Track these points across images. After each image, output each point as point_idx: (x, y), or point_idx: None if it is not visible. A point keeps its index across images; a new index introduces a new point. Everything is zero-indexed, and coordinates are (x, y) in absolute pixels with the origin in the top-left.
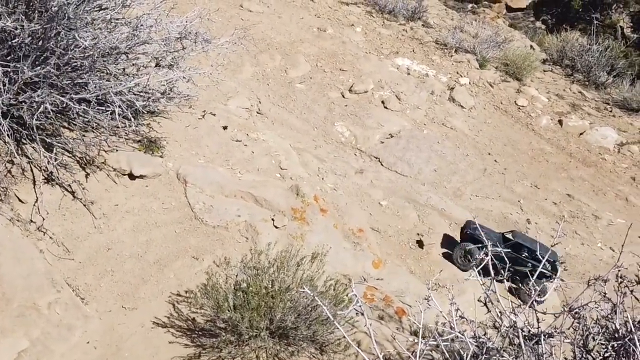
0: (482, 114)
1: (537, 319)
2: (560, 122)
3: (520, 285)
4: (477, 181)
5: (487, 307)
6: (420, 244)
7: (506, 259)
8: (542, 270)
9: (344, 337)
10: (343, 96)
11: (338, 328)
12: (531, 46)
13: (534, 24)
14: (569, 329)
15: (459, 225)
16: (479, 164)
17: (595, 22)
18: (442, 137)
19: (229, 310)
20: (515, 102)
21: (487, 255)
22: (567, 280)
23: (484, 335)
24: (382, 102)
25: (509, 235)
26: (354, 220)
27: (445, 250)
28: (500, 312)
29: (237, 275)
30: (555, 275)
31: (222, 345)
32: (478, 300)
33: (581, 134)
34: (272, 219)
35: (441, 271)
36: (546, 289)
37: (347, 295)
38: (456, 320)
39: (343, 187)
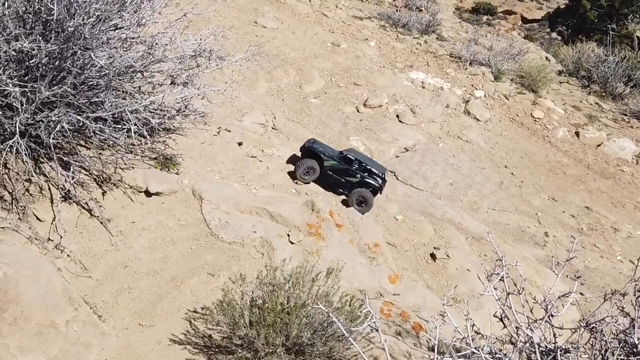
0: (498, 126)
1: (554, 334)
2: (577, 133)
3: (347, 193)
4: (493, 194)
5: (503, 323)
6: (434, 257)
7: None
8: (367, 180)
9: (360, 353)
10: (358, 110)
11: (354, 344)
12: (547, 58)
13: (550, 35)
14: (586, 344)
15: (476, 239)
16: (495, 177)
17: (611, 32)
18: (458, 151)
19: (245, 327)
20: (531, 114)
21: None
22: (586, 294)
23: (501, 350)
24: (397, 116)
25: (345, 152)
26: (370, 235)
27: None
28: (516, 327)
29: (252, 292)
30: (383, 185)
31: None
32: (494, 316)
33: (598, 145)
34: (288, 235)
35: (456, 286)
36: (369, 197)
37: (362, 311)
38: (472, 335)
39: None
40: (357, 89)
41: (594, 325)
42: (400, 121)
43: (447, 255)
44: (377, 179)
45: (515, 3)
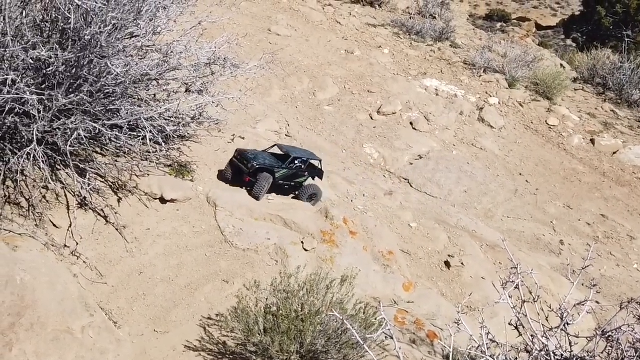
0: (513, 134)
1: (570, 343)
2: (592, 141)
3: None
4: (508, 202)
5: (518, 331)
6: (448, 265)
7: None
8: (313, 174)
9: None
10: (371, 118)
11: (368, 352)
12: (561, 65)
13: (564, 42)
14: (602, 353)
15: (491, 246)
16: (510, 185)
17: (626, 39)
18: (472, 158)
19: (259, 334)
20: (546, 121)
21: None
22: (602, 303)
23: (516, 359)
24: (411, 123)
25: (284, 149)
26: (384, 243)
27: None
28: (532, 335)
29: (267, 299)
30: (320, 176)
31: None
32: (509, 324)
33: (614, 153)
34: (302, 242)
35: (472, 294)
36: (318, 190)
37: (377, 319)
38: (487, 343)
39: (372, 209)
40: (371, 96)
41: (610, 333)
42: (414, 128)
43: (462, 263)
44: (319, 165)
45: (529, 10)
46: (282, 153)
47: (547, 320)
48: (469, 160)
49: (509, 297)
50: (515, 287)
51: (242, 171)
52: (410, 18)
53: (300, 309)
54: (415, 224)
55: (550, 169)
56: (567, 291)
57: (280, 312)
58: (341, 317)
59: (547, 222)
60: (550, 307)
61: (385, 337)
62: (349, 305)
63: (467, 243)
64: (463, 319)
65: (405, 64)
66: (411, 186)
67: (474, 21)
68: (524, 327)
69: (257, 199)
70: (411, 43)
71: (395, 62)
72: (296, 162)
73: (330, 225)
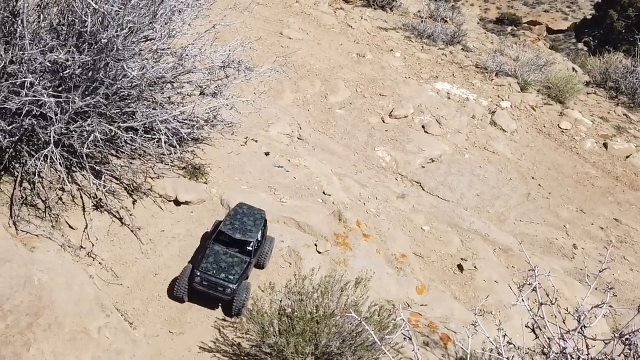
0: (525, 137)
1: (587, 346)
2: (605, 145)
3: None
4: (521, 206)
5: (535, 333)
6: (461, 268)
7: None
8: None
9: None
10: (383, 121)
11: (385, 353)
12: (574, 69)
13: (576, 46)
14: (619, 355)
15: (503, 250)
16: (522, 189)
17: (639, 43)
18: (485, 162)
19: (274, 336)
20: (558, 125)
21: None
22: (616, 307)
23: None
24: (423, 126)
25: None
26: (397, 246)
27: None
28: (549, 338)
29: (281, 301)
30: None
31: None
32: (526, 327)
33: (627, 157)
34: (315, 245)
35: (488, 296)
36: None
37: (392, 321)
38: (504, 346)
39: (385, 212)
40: (383, 99)
41: (627, 337)
42: (426, 132)
43: (475, 267)
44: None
45: (540, 14)
46: (230, 237)
47: (565, 323)
48: (481, 164)
49: (527, 299)
50: (533, 290)
51: (212, 296)
52: (422, 21)
53: (315, 311)
54: (428, 227)
55: (563, 173)
56: (580, 295)
57: (295, 314)
58: (359, 319)
59: (560, 226)
60: (567, 310)
61: (404, 338)
62: (364, 307)
63: (480, 247)
64: (475, 325)
65: (417, 68)
66: (423, 189)
67: (484, 25)
68: (540, 329)
69: (239, 315)
70: (423, 46)
71: (407, 66)
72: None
73: (344, 228)
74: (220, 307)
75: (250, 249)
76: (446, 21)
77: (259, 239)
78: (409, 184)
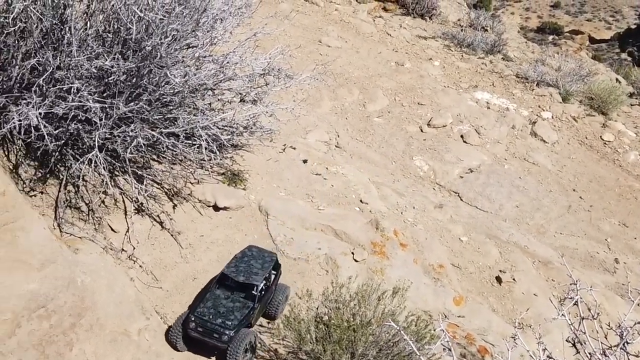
0: (566, 149)
1: None
2: None
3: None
4: (561, 218)
5: (575, 348)
6: (499, 280)
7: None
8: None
9: None
10: (421, 130)
11: None
12: (617, 79)
13: (619, 56)
14: None
15: (543, 263)
16: (563, 201)
17: None
18: (524, 173)
19: (311, 342)
20: (600, 137)
21: None
22: None
23: None
24: (461, 136)
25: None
26: (434, 256)
27: None
28: (590, 353)
29: (318, 308)
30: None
31: None
32: (567, 341)
33: None
34: (352, 253)
35: (528, 309)
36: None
37: (429, 332)
38: (544, 359)
39: (422, 221)
40: (421, 108)
41: None
42: (464, 141)
43: (513, 279)
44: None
45: (582, 23)
46: (233, 280)
47: (606, 339)
48: (520, 174)
49: (567, 313)
50: (574, 304)
51: (208, 345)
52: (462, 30)
53: (352, 319)
54: (466, 237)
55: (605, 186)
56: (622, 310)
57: (332, 321)
58: (397, 327)
59: (601, 240)
60: (609, 325)
61: (443, 348)
62: (401, 317)
63: (518, 259)
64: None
65: (456, 77)
66: (461, 199)
67: (525, 34)
68: (582, 344)
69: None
70: (462, 55)
71: (445, 75)
72: (258, 285)
73: (381, 237)
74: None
75: (254, 293)
76: (486, 30)
77: (268, 284)
78: (446, 194)
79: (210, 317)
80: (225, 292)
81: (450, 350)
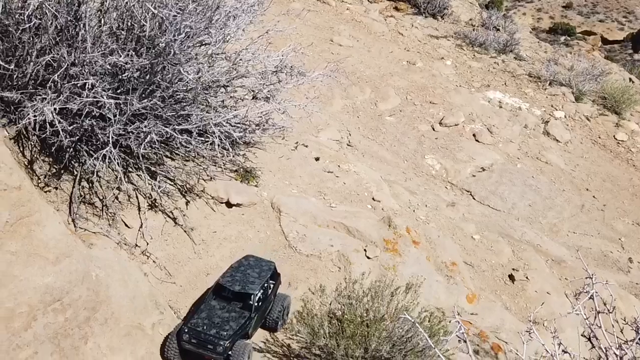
0: (579, 148)
1: None
2: None
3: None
4: (574, 217)
5: (591, 342)
6: (512, 278)
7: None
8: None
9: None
10: (433, 129)
11: (438, 356)
12: (630, 79)
13: (632, 57)
14: None
15: (556, 261)
16: (576, 200)
17: None
18: (537, 172)
19: (324, 337)
20: (614, 136)
21: None
22: None
23: None
24: (474, 135)
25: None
26: (447, 254)
27: None
28: (605, 348)
29: (331, 303)
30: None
31: None
32: (582, 335)
33: None
34: (364, 250)
35: (543, 304)
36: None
37: (443, 327)
38: (559, 354)
39: (434, 219)
40: (433, 107)
41: None
42: (477, 140)
43: (526, 277)
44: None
45: (594, 23)
46: (228, 289)
47: (622, 333)
48: (533, 173)
49: (582, 308)
50: (590, 298)
51: (203, 356)
52: (474, 30)
53: (365, 314)
54: (478, 236)
55: (619, 185)
56: (637, 308)
57: (345, 316)
58: (412, 319)
59: (615, 239)
60: (624, 320)
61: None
62: (414, 313)
63: (531, 257)
64: (530, 332)
65: (468, 76)
66: (473, 198)
67: (536, 34)
68: (597, 338)
69: None
70: (474, 55)
71: (457, 74)
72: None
73: (393, 234)
74: None
75: (251, 302)
76: (498, 29)
77: (266, 293)
78: (458, 193)
79: (204, 327)
80: (221, 303)
81: (465, 342)
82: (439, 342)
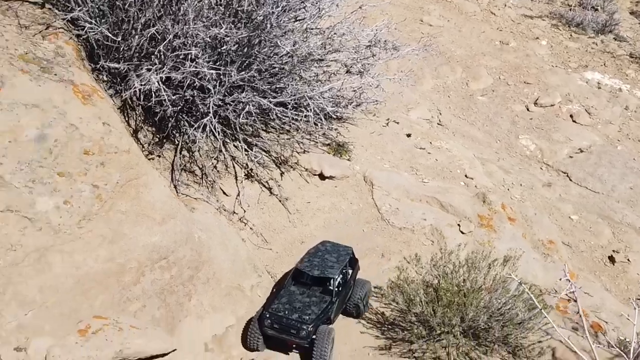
0: None
1: None
2: None
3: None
4: None
5: None
6: (612, 260)
7: None
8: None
9: (539, 342)
10: (527, 109)
11: (546, 317)
12: None
13: None
14: None
15: None
16: None
17: None
18: (639, 154)
19: (420, 304)
20: None
21: None
22: None
23: None
24: (571, 116)
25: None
26: (544, 232)
27: None
28: None
29: (425, 273)
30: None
31: (414, 339)
32: None
33: None
34: (458, 225)
35: None
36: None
37: (541, 302)
38: None
39: (530, 199)
40: (527, 87)
41: None
42: (574, 121)
43: (628, 260)
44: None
45: None
46: (307, 275)
47: None
48: (635, 156)
49: None
50: None
51: (287, 343)
52: (570, 9)
53: (462, 284)
54: (576, 216)
55: None
56: None
57: (442, 285)
58: (518, 279)
59: None
60: None
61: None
62: (512, 286)
63: (633, 240)
64: (631, 315)
65: (565, 56)
66: (570, 180)
67: (638, 14)
68: None
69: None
70: (571, 35)
71: (553, 54)
72: (334, 279)
73: (488, 210)
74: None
75: (331, 287)
76: (596, 9)
77: (345, 279)
78: (554, 174)
79: (286, 312)
80: (301, 288)
81: (575, 301)
82: (539, 314)
